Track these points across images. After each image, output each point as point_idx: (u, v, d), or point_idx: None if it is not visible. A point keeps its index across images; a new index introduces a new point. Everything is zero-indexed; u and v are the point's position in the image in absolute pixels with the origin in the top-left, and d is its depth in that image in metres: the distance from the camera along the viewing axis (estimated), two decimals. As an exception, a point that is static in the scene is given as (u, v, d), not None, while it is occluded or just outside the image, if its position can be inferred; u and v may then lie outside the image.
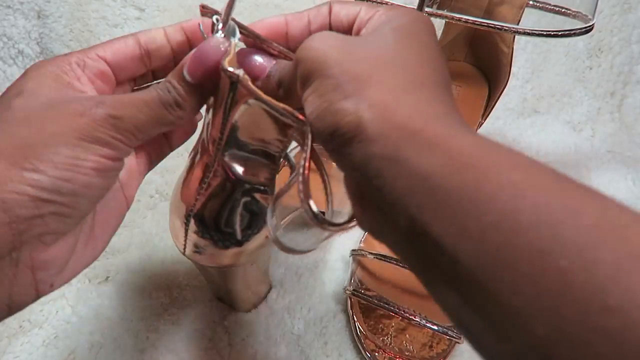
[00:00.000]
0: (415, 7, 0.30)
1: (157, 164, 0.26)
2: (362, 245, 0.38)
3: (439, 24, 0.52)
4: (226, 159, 0.23)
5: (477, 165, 0.14)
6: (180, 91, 0.20)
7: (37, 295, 0.20)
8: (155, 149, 0.25)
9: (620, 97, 0.58)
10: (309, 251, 0.23)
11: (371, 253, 0.36)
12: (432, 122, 0.15)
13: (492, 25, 0.30)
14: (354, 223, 0.20)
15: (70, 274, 0.21)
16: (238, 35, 0.21)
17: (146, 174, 0.25)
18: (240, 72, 0.20)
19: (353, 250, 0.38)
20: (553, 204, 0.13)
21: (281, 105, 0.19)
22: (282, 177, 0.44)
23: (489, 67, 0.40)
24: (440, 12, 0.31)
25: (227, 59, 0.20)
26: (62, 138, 0.18)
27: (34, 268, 0.19)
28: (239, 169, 0.23)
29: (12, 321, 0.34)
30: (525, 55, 0.57)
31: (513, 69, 0.58)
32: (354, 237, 0.42)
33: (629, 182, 0.51)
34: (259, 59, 0.22)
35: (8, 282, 0.18)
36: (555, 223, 0.12)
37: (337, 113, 0.16)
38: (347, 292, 0.34)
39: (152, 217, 0.42)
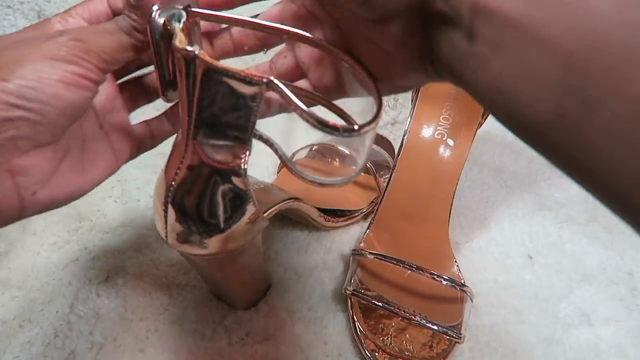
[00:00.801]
0: None
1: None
2: (362, 245, 0.38)
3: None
4: (198, 142, 0.23)
5: None
6: (134, 17, 0.22)
7: (22, 203, 0.21)
8: (138, 93, 0.27)
9: (621, 96, 0.58)
10: (332, 184, 0.23)
11: (371, 253, 0.36)
12: None
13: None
14: (373, 125, 0.21)
15: (54, 190, 0.22)
16: (183, 20, 0.22)
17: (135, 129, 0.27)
18: (195, 48, 0.20)
19: (353, 250, 0.38)
20: None
21: (242, 70, 0.20)
22: (285, 174, 0.44)
23: None
24: None
25: (177, 40, 0.20)
26: (29, 57, 0.20)
27: (13, 172, 0.20)
28: (211, 152, 0.23)
29: (12, 321, 0.34)
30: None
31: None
32: (354, 236, 0.42)
33: (629, 181, 0.51)
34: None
35: None
36: None
37: None
38: (347, 292, 0.34)
39: (152, 217, 0.42)
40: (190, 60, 0.20)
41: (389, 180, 0.41)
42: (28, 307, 0.35)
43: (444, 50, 0.20)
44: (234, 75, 0.20)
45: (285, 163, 0.23)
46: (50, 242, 0.40)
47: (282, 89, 0.20)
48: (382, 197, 0.41)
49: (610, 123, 0.14)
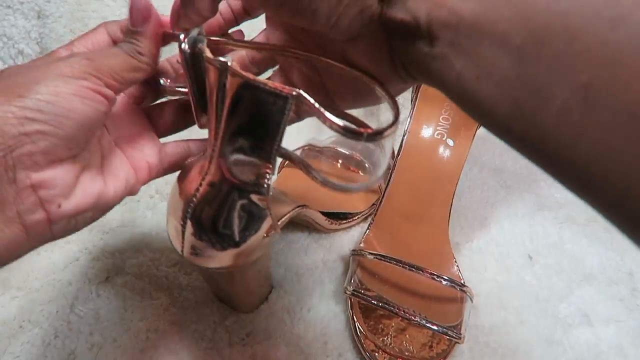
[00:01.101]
0: None
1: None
2: (362, 245, 0.38)
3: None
4: (222, 159, 0.23)
5: None
6: (136, 41, 0.24)
7: (49, 217, 0.21)
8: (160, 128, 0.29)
9: (621, 96, 0.58)
10: (357, 189, 0.24)
11: (371, 253, 0.36)
12: None
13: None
14: (394, 128, 0.22)
15: (79, 201, 0.22)
16: (205, 42, 0.23)
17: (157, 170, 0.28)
18: (228, 58, 0.20)
19: (353, 250, 0.38)
20: None
21: (272, 82, 0.20)
22: (285, 175, 0.44)
23: None
24: None
25: (208, 53, 0.21)
26: (44, 76, 0.21)
27: (34, 187, 0.20)
28: (236, 170, 0.23)
29: (12, 321, 0.34)
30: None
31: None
32: (354, 237, 0.42)
33: (629, 181, 0.51)
34: None
35: (12, 200, 0.20)
36: None
37: None
38: (347, 292, 0.34)
39: (152, 217, 0.42)
40: (223, 70, 0.20)
41: (389, 180, 0.41)
42: (28, 307, 0.35)
43: (411, 55, 0.21)
44: (265, 86, 0.20)
45: (316, 177, 0.23)
46: (50, 242, 0.40)
47: (310, 102, 0.20)
48: (382, 197, 0.41)
49: (561, 111, 0.15)
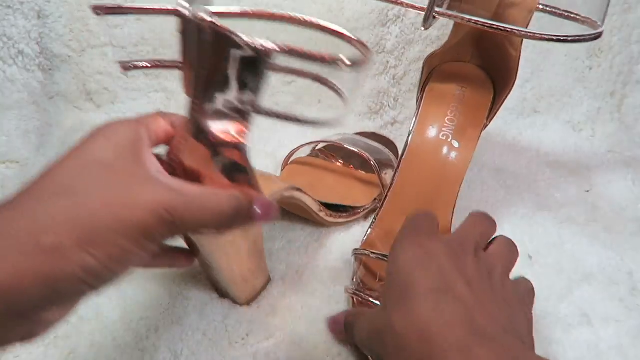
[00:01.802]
0: (425, 8, 0.30)
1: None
2: (364, 244, 0.38)
3: (441, 24, 0.52)
4: (201, 116, 0.23)
5: None
6: (251, 210, 0.24)
7: (20, 341, 0.20)
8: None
9: (620, 97, 0.59)
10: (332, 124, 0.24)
11: (373, 253, 0.36)
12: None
13: (502, 28, 0.30)
14: (365, 62, 0.23)
15: (47, 330, 0.21)
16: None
17: None
18: (209, 16, 0.20)
19: (355, 249, 0.38)
20: None
21: (252, 38, 0.20)
22: (290, 171, 0.44)
23: (495, 69, 0.41)
24: (450, 12, 0.31)
25: (202, 13, 0.21)
26: (128, 229, 0.19)
27: (34, 323, 0.20)
28: (213, 127, 0.23)
29: (12, 321, 0.34)
30: (525, 55, 0.57)
31: (513, 69, 0.58)
32: (355, 236, 0.42)
33: (629, 182, 0.51)
34: None
35: (5, 329, 0.19)
36: None
37: None
38: (349, 292, 0.34)
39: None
40: (203, 25, 0.21)
41: (392, 180, 0.41)
42: (28, 307, 0.35)
43: None
44: (240, 40, 0.20)
45: (286, 117, 0.23)
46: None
47: (280, 51, 0.20)
48: (385, 197, 0.41)
49: None
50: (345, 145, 0.45)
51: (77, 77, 0.53)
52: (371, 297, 0.33)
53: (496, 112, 0.42)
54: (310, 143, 0.47)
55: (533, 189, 0.50)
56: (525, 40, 0.57)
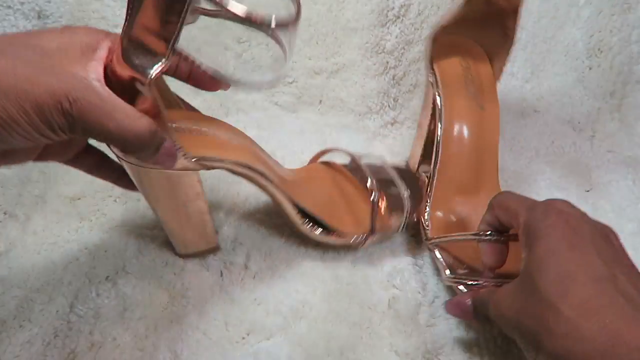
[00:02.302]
0: None
1: None
2: (429, 229, 0.39)
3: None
4: (124, 39, 0.24)
5: None
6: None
7: None
8: None
9: (620, 97, 0.59)
10: (269, 85, 0.27)
11: (448, 236, 0.37)
12: None
13: None
14: (296, 23, 0.24)
15: None
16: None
17: None
18: None
19: (438, 237, 0.38)
20: None
21: None
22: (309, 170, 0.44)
23: (490, 39, 0.43)
24: None
25: None
26: (20, 97, 0.21)
27: None
28: (131, 52, 0.24)
29: (12, 320, 0.34)
30: (524, 55, 0.58)
31: (512, 69, 0.58)
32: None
33: (629, 182, 0.51)
34: None
35: None
36: None
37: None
38: (451, 282, 0.35)
39: (152, 217, 0.42)
40: None
41: (435, 159, 0.40)
42: (28, 306, 0.35)
43: None
44: None
45: (219, 75, 0.25)
46: (50, 242, 0.40)
47: None
48: (433, 177, 0.40)
49: None
50: (360, 163, 0.43)
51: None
52: (477, 281, 0.34)
53: (501, 68, 0.43)
54: (336, 150, 0.45)
55: (533, 189, 0.49)
56: (525, 41, 0.57)
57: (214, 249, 0.39)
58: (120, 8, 0.51)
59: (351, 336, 0.35)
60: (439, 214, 0.40)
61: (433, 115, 0.44)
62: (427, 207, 0.40)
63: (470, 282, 0.34)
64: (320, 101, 0.57)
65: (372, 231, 0.39)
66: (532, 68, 0.58)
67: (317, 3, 0.54)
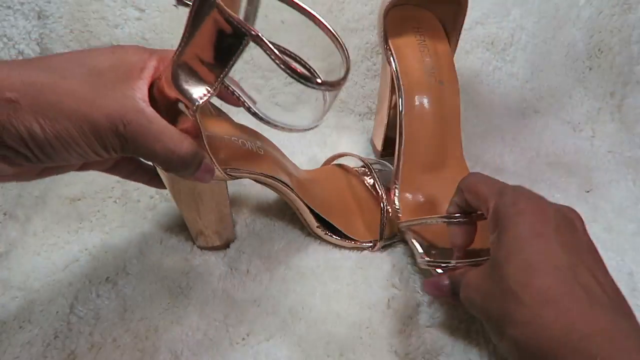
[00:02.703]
0: None
1: None
2: (399, 211, 0.39)
3: None
4: (175, 65, 0.25)
5: None
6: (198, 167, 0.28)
7: None
8: None
9: (620, 97, 0.59)
10: (305, 129, 0.28)
11: (421, 219, 0.37)
12: None
13: None
14: (344, 82, 0.25)
15: None
16: None
17: None
18: None
19: (409, 220, 0.38)
20: None
21: (239, 18, 0.22)
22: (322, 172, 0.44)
23: (444, 13, 0.43)
24: None
25: None
26: (79, 119, 0.22)
27: None
28: (181, 77, 0.25)
29: (12, 321, 0.34)
30: (525, 56, 0.58)
31: (513, 69, 0.58)
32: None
33: (629, 182, 0.51)
34: None
35: None
36: None
37: None
38: (426, 265, 0.35)
39: (152, 218, 0.42)
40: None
41: (400, 139, 0.40)
42: (28, 307, 0.35)
43: None
44: (231, 18, 0.22)
45: (256, 115, 0.26)
46: (50, 243, 0.40)
47: (266, 44, 0.22)
48: (399, 159, 0.40)
49: None
50: (372, 169, 0.43)
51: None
52: (448, 264, 0.34)
53: (457, 40, 0.43)
54: (349, 155, 0.45)
55: (533, 189, 0.49)
56: (525, 41, 0.57)
57: (227, 242, 0.40)
58: (120, 8, 0.51)
59: (350, 336, 0.35)
60: (408, 195, 0.40)
61: (392, 92, 0.43)
62: (397, 190, 0.40)
63: (444, 264, 0.35)
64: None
65: (380, 237, 0.39)
66: (532, 68, 0.58)
67: (317, 3, 0.54)
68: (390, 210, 0.40)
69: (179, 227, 0.41)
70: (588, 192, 0.50)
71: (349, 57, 0.28)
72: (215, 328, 0.34)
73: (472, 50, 0.57)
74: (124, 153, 0.24)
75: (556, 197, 0.48)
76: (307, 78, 0.23)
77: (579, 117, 0.58)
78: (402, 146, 0.40)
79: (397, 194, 0.40)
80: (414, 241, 0.37)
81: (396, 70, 0.41)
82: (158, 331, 0.34)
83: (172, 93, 0.25)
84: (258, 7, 0.30)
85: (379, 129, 0.48)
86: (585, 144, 0.56)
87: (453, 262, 0.34)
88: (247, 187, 0.45)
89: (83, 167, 0.30)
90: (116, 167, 0.32)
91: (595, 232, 0.44)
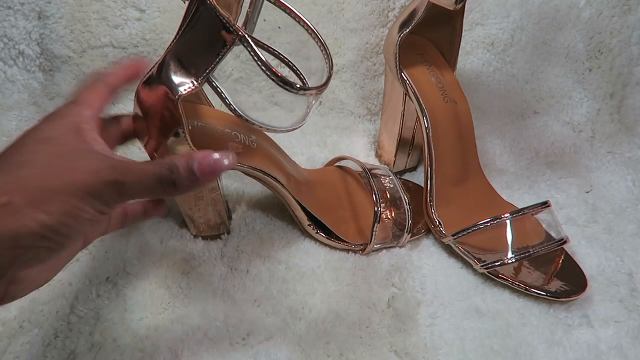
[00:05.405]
0: None
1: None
2: (442, 227, 0.41)
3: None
4: (165, 58, 0.26)
5: None
6: (182, 177, 0.24)
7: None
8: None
9: (620, 98, 0.59)
10: (286, 130, 0.28)
11: (465, 229, 0.40)
12: None
13: None
14: (325, 87, 0.26)
15: (27, 291, 0.25)
16: None
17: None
18: None
19: (457, 232, 0.40)
20: None
21: (229, 16, 0.24)
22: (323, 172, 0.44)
23: (442, 41, 0.46)
24: None
25: None
26: (73, 189, 0.22)
27: (10, 283, 0.23)
28: (171, 68, 0.26)
29: (12, 321, 0.34)
30: (525, 57, 0.58)
31: (512, 70, 0.58)
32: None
33: (629, 183, 0.51)
34: None
35: None
36: None
37: None
38: (481, 271, 0.39)
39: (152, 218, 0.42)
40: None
41: (430, 159, 0.42)
42: (28, 307, 0.35)
43: None
44: (221, 16, 0.23)
45: (235, 112, 0.26)
46: (50, 243, 0.40)
47: (250, 45, 0.23)
48: (431, 177, 0.42)
49: None
50: (369, 174, 0.43)
51: (77, 78, 0.53)
52: (504, 263, 0.38)
53: (456, 61, 0.46)
54: (349, 159, 0.46)
55: (533, 190, 0.50)
56: (525, 42, 0.57)
57: (222, 232, 0.41)
58: (120, 9, 0.51)
59: (350, 336, 0.35)
60: (444, 210, 0.42)
61: (402, 117, 0.47)
62: (432, 207, 0.42)
63: (498, 264, 0.38)
64: (320, 102, 0.57)
65: (370, 241, 0.40)
66: (532, 69, 0.58)
67: (317, 4, 0.54)
68: (385, 220, 0.42)
69: (179, 227, 0.41)
70: (588, 192, 0.50)
71: (332, 64, 0.28)
72: (215, 328, 0.34)
73: (472, 51, 0.57)
74: (122, 200, 0.24)
75: (556, 197, 0.48)
76: (286, 82, 0.24)
77: (579, 117, 0.58)
78: (433, 164, 0.43)
79: (434, 211, 0.42)
80: (465, 252, 0.40)
81: (416, 95, 0.44)
82: (158, 331, 0.34)
83: (151, 96, 0.27)
84: (260, 9, 0.30)
85: (390, 148, 0.51)
86: (585, 144, 0.56)
87: (508, 260, 0.38)
88: (248, 187, 0.45)
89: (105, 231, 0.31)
90: (126, 221, 0.32)
91: (595, 232, 0.45)
